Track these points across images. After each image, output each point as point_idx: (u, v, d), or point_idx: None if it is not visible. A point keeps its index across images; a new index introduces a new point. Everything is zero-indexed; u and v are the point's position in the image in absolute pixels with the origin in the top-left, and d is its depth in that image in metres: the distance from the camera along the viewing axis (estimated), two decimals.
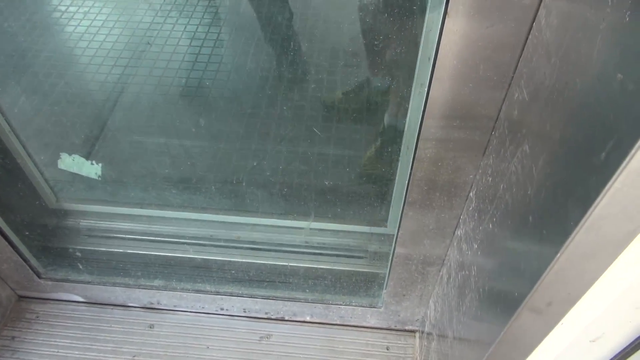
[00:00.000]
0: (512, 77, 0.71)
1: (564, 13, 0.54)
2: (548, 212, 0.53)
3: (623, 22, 0.41)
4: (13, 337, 1.44)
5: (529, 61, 0.65)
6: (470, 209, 0.90)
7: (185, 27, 1.76)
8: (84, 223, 1.53)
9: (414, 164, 0.89)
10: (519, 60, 0.69)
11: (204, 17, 1.82)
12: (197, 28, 1.78)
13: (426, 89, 0.76)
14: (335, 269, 1.36)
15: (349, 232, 1.35)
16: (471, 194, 0.91)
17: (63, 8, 1.75)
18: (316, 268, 1.36)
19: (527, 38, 0.66)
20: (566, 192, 0.49)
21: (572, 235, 0.47)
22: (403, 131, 1.36)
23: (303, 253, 1.37)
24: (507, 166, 0.69)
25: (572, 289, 0.53)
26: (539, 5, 0.62)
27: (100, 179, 1.30)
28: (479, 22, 0.66)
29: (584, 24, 0.48)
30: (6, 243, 1.30)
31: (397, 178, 1.12)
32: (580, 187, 0.46)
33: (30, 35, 1.61)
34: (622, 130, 0.40)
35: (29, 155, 1.25)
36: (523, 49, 0.67)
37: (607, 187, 0.42)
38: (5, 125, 1.16)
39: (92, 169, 1.27)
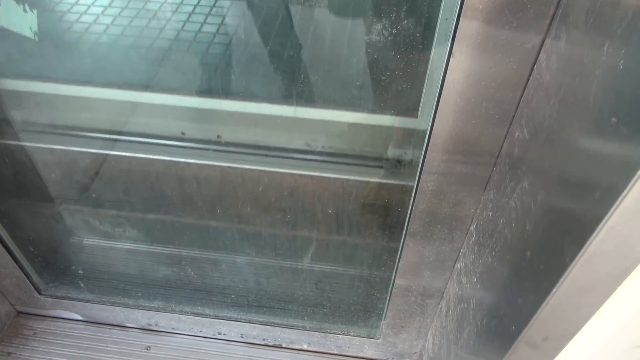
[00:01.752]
0: (514, 115, 0.73)
1: (563, 58, 0.57)
2: (545, 247, 0.55)
3: (617, 69, 0.43)
4: (9, 354, 1.44)
5: (529, 101, 0.67)
6: (471, 242, 0.92)
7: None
8: (88, 241, 1.55)
9: (416, 196, 0.91)
10: (520, 99, 0.71)
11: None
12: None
13: (430, 124, 0.79)
14: (334, 298, 1.36)
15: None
16: (472, 227, 0.92)
17: None
18: (315, 296, 1.37)
19: (528, 79, 0.69)
20: (563, 228, 0.51)
21: (568, 270, 0.49)
22: (405, 163, 1.39)
23: (303, 280, 1.38)
24: (507, 202, 0.71)
25: (568, 324, 0.54)
26: (540, 49, 0.65)
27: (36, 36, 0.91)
28: (482, 63, 0.69)
29: (581, 69, 0.51)
30: (10, 258, 1.31)
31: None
32: (576, 224, 0.48)
33: None
34: (615, 171, 0.42)
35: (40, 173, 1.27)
36: (524, 90, 0.70)
37: (601, 225, 0.44)
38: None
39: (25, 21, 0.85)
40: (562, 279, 0.50)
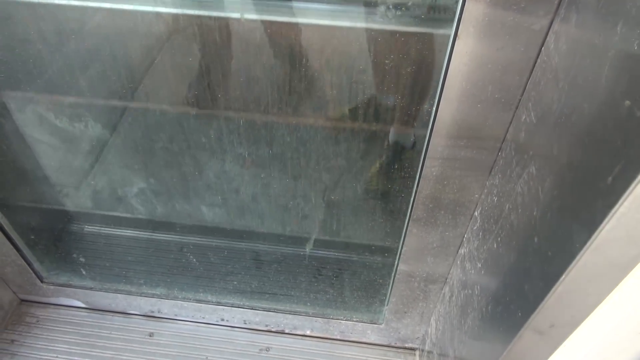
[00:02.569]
0: (520, 99, 0.72)
1: (573, 39, 0.56)
2: (553, 234, 0.54)
3: (631, 50, 0.42)
4: (12, 341, 1.44)
5: (537, 84, 0.66)
6: (475, 228, 0.91)
7: None
8: (89, 228, 1.54)
9: (420, 182, 0.90)
10: (527, 83, 0.70)
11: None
12: None
13: (434, 109, 0.77)
14: (337, 283, 1.36)
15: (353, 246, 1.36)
16: (476, 213, 0.91)
17: None
18: (318, 281, 1.37)
19: (535, 62, 0.67)
20: (572, 214, 0.50)
21: (577, 257, 0.48)
22: (408, 148, 1.36)
23: (306, 266, 1.38)
24: (513, 187, 0.70)
25: (575, 311, 0.53)
26: (548, 30, 0.63)
27: None
28: (488, 45, 0.67)
29: (592, 50, 0.49)
30: (11, 246, 1.31)
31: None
32: (586, 211, 0.47)
33: None
34: (628, 156, 0.41)
35: (39, 159, 1.26)
36: (531, 72, 0.68)
37: (612, 211, 0.42)
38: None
39: None
40: (571, 266, 0.49)
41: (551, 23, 0.62)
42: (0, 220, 1.25)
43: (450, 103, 0.75)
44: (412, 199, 0.96)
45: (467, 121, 0.77)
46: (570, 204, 0.51)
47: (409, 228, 1.02)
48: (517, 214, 0.67)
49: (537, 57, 0.66)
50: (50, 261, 1.44)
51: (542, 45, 0.65)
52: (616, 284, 0.50)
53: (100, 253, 1.48)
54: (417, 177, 0.90)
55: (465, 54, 0.69)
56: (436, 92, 0.76)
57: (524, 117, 0.69)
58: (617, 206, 0.42)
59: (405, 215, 1.04)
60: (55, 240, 1.45)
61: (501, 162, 0.79)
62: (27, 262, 1.37)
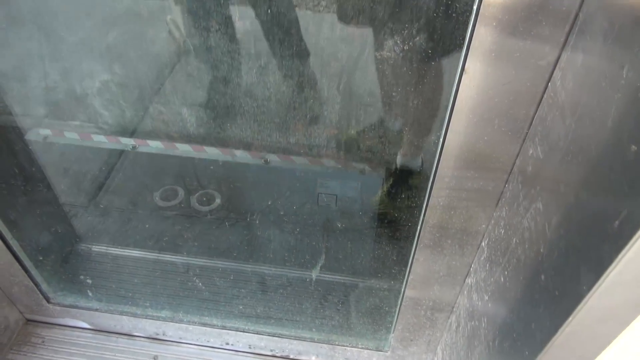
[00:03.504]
0: (527, 132, 0.72)
1: (579, 78, 0.56)
2: (561, 273, 0.54)
3: (637, 96, 0.42)
4: None
5: (544, 119, 0.66)
6: (482, 258, 0.90)
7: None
8: (96, 249, 1.55)
9: (427, 211, 0.90)
10: (534, 116, 0.70)
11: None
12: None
13: (441, 140, 0.78)
14: (342, 309, 1.35)
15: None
16: (483, 243, 0.91)
17: None
18: (324, 307, 1.36)
19: (542, 96, 0.67)
20: (579, 255, 0.50)
21: (585, 299, 0.47)
22: (415, 172, 1.36)
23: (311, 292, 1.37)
24: (520, 221, 0.70)
25: (583, 353, 0.52)
26: (555, 66, 0.63)
27: None
28: (495, 80, 0.67)
29: (599, 91, 0.49)
30: (19, 267, 1.32)
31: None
32: (594, 253, 0.47)
33: None
34: (635, 201, 0.41)
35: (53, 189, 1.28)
36: (538, 107, 0.68)
37: (620, 256, 0.42)
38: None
39: None
40: (578, 308, 0.48)
41: (558, 59, 0.63)
42: (9, 241, 1.26)
43: (457, 135, 0.76)
44: (419, 227, 0.95)
45: (474, 153, 0.77)
46: (577, 244, 0.51)
47: (415, 256, 1.01)
48: (524, 249, 0.66)
49: (544, 91, 0.67)
50: (58, 282, 1.44)
51: (549, 80, 0.65)
52: (624, 327, 0.49)
53: (106, 274, 1.49)
54: (424, 206, 0.90)
55: (473, 87, 0.69)
56: (443, 123, 0.77)
57: (531, 151, 0.69)
58: (624, 251, 0.41)
59: (412, 242, 1.03)
60: (63, 261, 1.46)
61: (508, 194, 0.78)
62: (34, 282, 1.38)
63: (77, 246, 1.56)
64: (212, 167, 1.85)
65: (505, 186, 0.80)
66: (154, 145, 1.67)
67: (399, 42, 0.82)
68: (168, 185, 1.77)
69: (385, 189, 1.76)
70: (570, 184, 0.54)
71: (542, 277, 0.58)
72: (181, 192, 1.76)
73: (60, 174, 1.80)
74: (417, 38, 0.79)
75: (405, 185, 1.74)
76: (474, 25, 0.63)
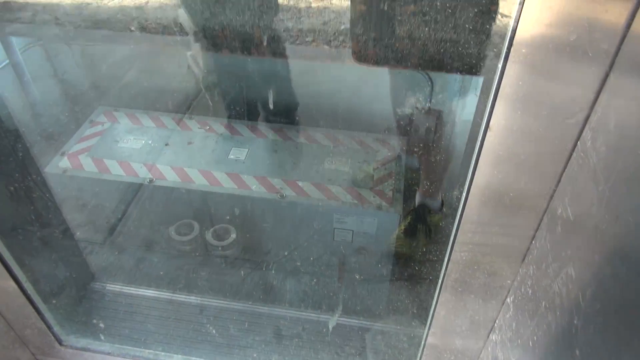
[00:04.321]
0: (555, 190, 0.69)
1: (613, 143, 0.53)
2: (598, 353, 0.50)
3: None
4: None
5: (573, 179, 0.63)
6: (508, 316, 0.86)
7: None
8: (111, 287, 1.54)
9: (449, 265, 0.86)
10: (561, 175, 0.67)
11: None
12: None
13: (464, 196, 0.75)
14: None
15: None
16: (508, 300, 0.87)
17: None
18: (340, 357, 1.31)
19: (571, 155, 0.64)
20: (619, 336, 0.46)
21: None
22: (432, 211, 1.33)
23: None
24: (550, 284, 0.66)
25: None
26: (584, 125, 0.61)
27: None
28: (521, 137, 0.65)
29: (636, 162, 0.47)
30: (32, 309, 1.30)
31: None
32: (636, 336, 0.43)
33: None
34: None
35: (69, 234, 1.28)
36: (566, 165, 0.66)
37: None
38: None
39: None
40: None
41: (587, 118, 0.60)
42: (24, 284, 1.25)
43: (481, 190, 0.73)
44: (440, 280, 0.92)
45: (498, 208, 0.75)
46: (616, 324, 0.47)
47: (436, 309, 0.97)
48: (555, 316, 0.63)
49: (573, 150, 0.64)
50: (70, 324, 1.42)
51: (578, 139, 0.63)
52: None
53: (119, 316, 1.47)
54: (446, 260, 0.86)
55: (497, 144, 0.67)
56: (466, 179, 0.74)
57: (559, 211, 0.66)
58: None
59: (433, 292, 1.00)
60: (76, 302, 1.45)
61: (535, 252, 0.75)
62: (47, 324, 1.36)
63: (92, 285, 1.55)
64: (227, 202, 1.84)
65: (531, 243, 0.76)
66: (171, 179, 1.67)
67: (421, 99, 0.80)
68: (184, 220, 1.77)
69: (402, 227, 1.73)
70: (607, 256, 0.50)
71: (577, 352, 0.55)
72: (196, 227, 1.74)
73: (76, 209, 1.81)
74: (441, 96, 0.77)
75: (424, 226, 1.71)
76: (499, 84, 0.61)
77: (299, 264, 1.68)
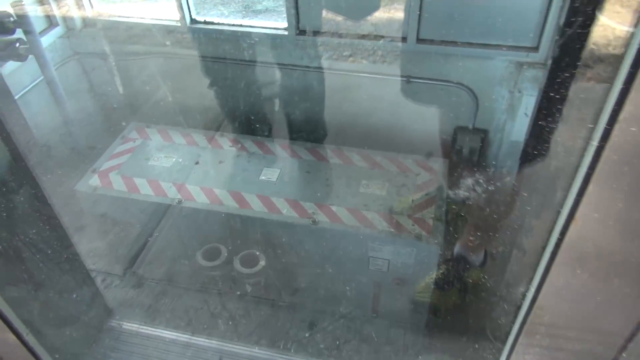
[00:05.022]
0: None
1: None
2: None
3: None
4: None
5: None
6: None
7: None
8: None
9: None
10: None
11: None
12: None
13: (534, 291, 0.63)
14: None
15: None
16: None
17: None
18: None
19: None
20: None
21: None
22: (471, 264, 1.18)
23: None
24: None
25: None
26: None
27: None
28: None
29: None
30: None
31: None
32: None
33: None
34: None
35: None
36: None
37: None
38: None
39: None
40: None
41: None
42: (32, 342, 1.20)
43: (557, 289, 0.60)
44: None
45: (580, 310, 0.62)
46: None
47: None
48: None
49: None
50: None
51: None
52: None
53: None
54: None
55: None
56: (535, 274, 0.62)
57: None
58: None
59: None
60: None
61: None
62: None
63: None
64: (257, 226, 1.76)
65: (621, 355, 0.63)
66: (200, 200, 1.61)
67: None
68: (211, 244, 1.71)
69: (434, 276, 1.59)
70: None
71: None
72: (224, 251, 1.68)
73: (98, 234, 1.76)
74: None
75: (459, 281, 1.55)
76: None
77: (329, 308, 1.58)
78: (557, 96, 1.20)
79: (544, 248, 0.57)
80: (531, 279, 0.62)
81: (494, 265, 1.44)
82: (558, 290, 0.59)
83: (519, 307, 0.65)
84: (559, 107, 1.22)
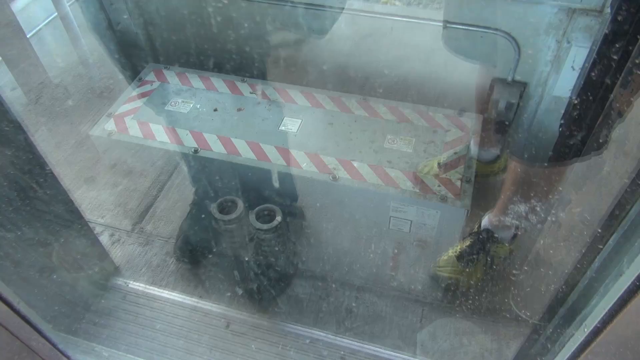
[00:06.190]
0: None
1: None
2: None
3: None
4: None
5: None
6: None
7: None
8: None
9: None
10: None
11: None
12: None
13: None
14: None
15: None
16: None
17: None
18: None
19: None
20: None
21: None
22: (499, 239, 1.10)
23: None
24: None
25: None
26: None
27: None
28: None
29: None
30: None
31: None
32: None
33: None
34: None
35: None
36: None
37: None
38: None
39: None
40: None
41: None
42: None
43: None
44: None
45: None
46: None
47: None
48: None
49: None
50: None
51: None
52: None
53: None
54: None
55: None
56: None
57: None
58: None
59: None
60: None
61: None
62: None
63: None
64: (275, 180, 1.69)
65: None
66: (217, 150, 1.55)
67: None
68: (227, 196, 1.65)
69: (457, 249, 1.49)
70: None
71: None
72: (240, 205, 1.63)
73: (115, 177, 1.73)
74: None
75: (484, 255, 1.45)
76: None
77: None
78: (614, 50, 1.05)
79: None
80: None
81: (524, 241, 1.34)
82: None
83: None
84: (615, 63, 1.07)
